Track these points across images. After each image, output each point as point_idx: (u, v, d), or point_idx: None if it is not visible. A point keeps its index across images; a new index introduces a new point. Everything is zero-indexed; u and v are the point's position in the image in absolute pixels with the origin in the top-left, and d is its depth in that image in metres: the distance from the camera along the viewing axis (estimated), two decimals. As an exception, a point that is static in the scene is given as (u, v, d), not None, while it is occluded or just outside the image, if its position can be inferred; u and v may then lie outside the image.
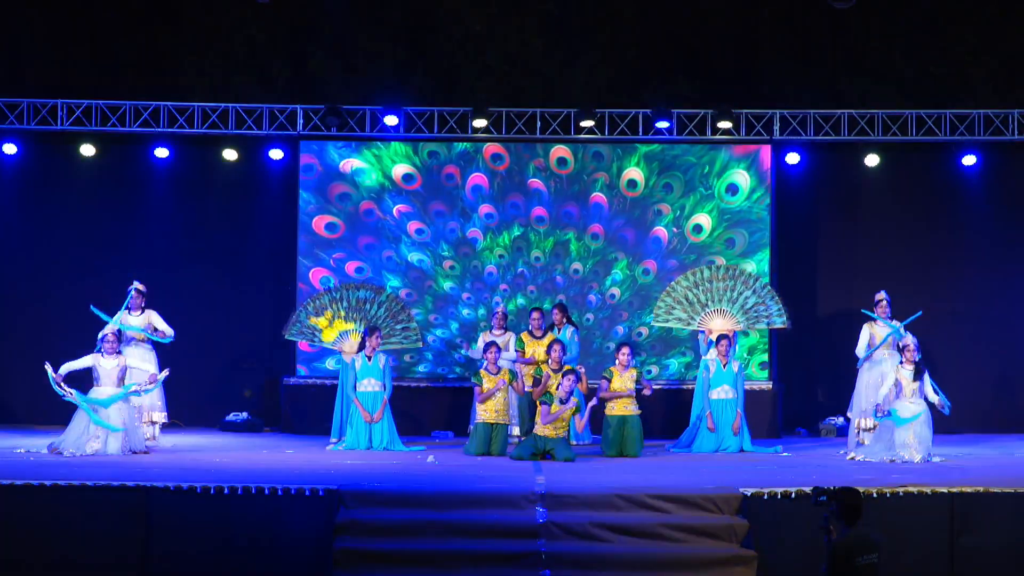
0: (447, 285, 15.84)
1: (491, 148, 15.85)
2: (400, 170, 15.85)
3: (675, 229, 15.72)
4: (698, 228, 15.77)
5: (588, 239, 15.83)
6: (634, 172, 15.82)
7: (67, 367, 12.44)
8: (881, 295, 13.83)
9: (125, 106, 15.56)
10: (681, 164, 15.81)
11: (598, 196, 15.84)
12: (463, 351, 14.85)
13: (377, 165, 15.85)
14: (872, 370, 13.63)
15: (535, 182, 15.87)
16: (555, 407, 12.41)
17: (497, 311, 14.56)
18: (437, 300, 15.84)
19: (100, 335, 12.85)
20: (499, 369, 13.15)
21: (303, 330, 14.39)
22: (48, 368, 12.33)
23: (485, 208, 15.86)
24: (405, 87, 15.70)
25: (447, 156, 15.86)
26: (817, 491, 7.85)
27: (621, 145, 15.80)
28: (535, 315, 14.16)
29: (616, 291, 15.84)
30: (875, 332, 13.76)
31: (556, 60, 15.92)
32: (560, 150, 15.86)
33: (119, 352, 12.75)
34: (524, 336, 14.05)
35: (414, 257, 15.82)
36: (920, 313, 13.64)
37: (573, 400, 12.52)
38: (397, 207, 15.82)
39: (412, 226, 15.84)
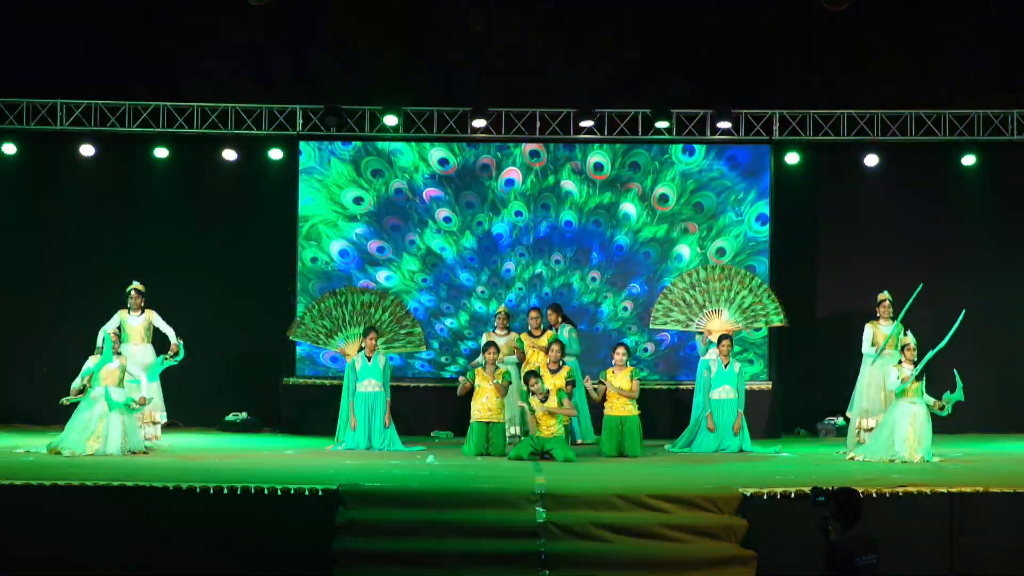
0: (464, 276, 15.83)
1: (529, 144, 15.82)
2: (436, 153, 15.85)
3: (698, 249, 15.68)
4: (721, 251, 15.69)
5: (612, 249, 15.78)
6: (667, 187, 15.77)
7: (75, 388, 12.48)
8: (884, 295, 13.82)
9: (124, 106, 15.55)
10: (716, 186, 15.74)
11: (628, 206, 15.78)
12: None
13: (415, 145, 15.83)
14: (874, 371, 13.61)
15: (568, 184, 15.84)
16: (538, 411, 12.48)
17: (499, 311, 14.54)
18: (451, 290, 15.83)
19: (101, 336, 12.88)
20: (495, 369, 13.14)
21: (307, 332, 14.33)
22: (64, 401, 12.43)
23: (515, 205, 15.83)
24: (405, 87, 15.68)
25: (485, 146, 15.83)
26: (817, 491, 7.84)
27: (660, 158, 15.75)
28: (533, 314, 14.19)
29: (630, 304, 15.79)
30: (877, 331, 13.75)
31: (556, 60, 15.90)
32: (598, 155, 15.84)
33: (118, 352, 12.76)
34: (523, 336, 14.09)
35: (436, 244, 15.80)
36: (921, 286, 13.31)
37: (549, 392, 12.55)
38: (428, 191, 15.81)
39: (440, 213, 15.81)
